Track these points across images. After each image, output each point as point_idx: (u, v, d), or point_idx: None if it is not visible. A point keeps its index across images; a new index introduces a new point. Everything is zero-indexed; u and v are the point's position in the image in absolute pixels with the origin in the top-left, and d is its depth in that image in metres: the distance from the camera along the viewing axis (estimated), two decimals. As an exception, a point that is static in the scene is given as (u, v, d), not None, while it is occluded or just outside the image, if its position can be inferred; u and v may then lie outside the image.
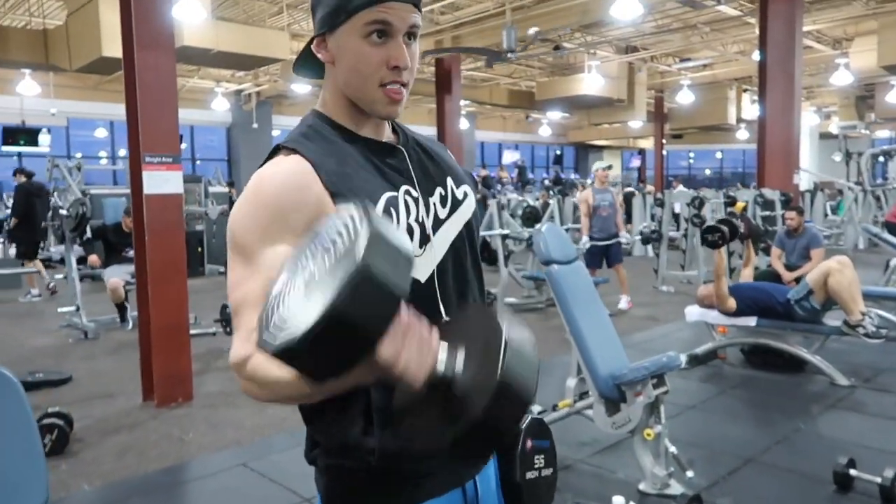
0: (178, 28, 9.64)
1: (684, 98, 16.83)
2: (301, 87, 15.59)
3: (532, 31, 10.61)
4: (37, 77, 13.43)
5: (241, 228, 0.96)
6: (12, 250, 10.88)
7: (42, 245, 9.42)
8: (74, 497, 3.08)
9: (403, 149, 1.09)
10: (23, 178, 8.67)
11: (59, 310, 6.60)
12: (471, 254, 1.13)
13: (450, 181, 1.13)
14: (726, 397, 4.42)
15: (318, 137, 1.04)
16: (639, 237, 7.74)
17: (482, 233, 8.11)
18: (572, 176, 23.32)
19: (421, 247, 1.03)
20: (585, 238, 7.03)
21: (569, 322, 3.07)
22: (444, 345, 0.82)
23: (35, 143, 14.85)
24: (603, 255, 7.16)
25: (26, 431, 1.83)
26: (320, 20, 1.01)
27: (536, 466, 1.11)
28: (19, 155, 16.06)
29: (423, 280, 1.03)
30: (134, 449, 3.61)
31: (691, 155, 28.84)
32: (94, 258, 6.79)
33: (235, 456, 3.49)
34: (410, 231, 1.02)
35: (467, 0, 11.78)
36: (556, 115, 21.05)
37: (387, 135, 1.10)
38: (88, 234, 6.68)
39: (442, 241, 1.07)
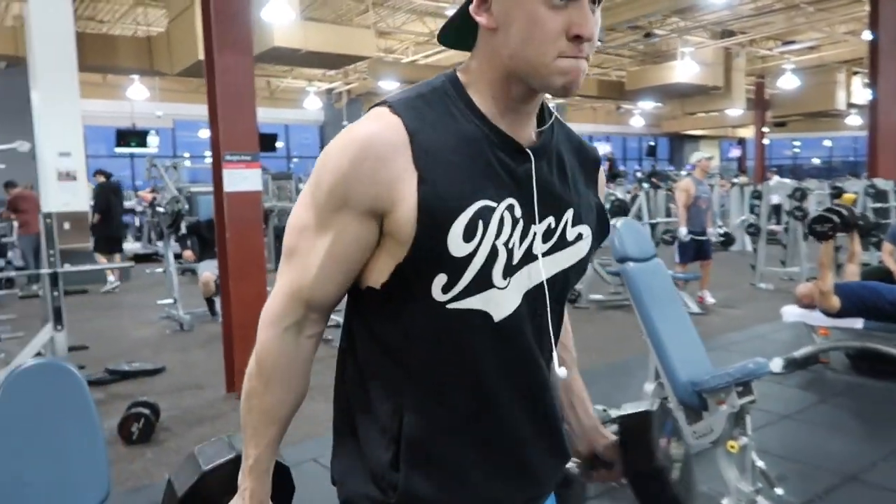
0: (268, 30, 10.00)
1: (788, 83, 15.83)
2: (388, 85, 15.79)
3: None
4: (145, 82, 14.27)
5: (315, 181, 0.87)
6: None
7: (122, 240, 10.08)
8: (157, 486, 3.20)
9: (534, 156, 0.89)
10: (102, 178, 9.35)
11: (158, 302, 6.96)
12: (554, 305, 0.93)
13: (569, 214, 0.93)
14: (827, 406, 4.08)
15: (437, 105, 0.87)
16: (721, 235, 7.33)
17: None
18: (667, 168, 22.46)
19: (504, 279, 0.86)
20: (684, 230, 6.70)
21: (645, 323, 2.90)
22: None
23: (144, 144, 15.76)
24: (697, 250, 6.83)
25: (89, 426, 1.88)
26: None
27: None
28: (131, 156, 17.18)
29: (496, 319, 0.87)
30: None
31: (796, 144, 27.13)
32: (188, 253, 7.11)
33: (308, 450, 3.53)
34: (494, 254, 0.84)
35: (553, -11, 11.52)
36: (648, 104, 20.33)
37: (528, 133, 0.91)
38: (183, 230, 7.00)
39: (524, 281, 0.89)
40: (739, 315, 6.72)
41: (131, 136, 15.61)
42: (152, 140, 15.81)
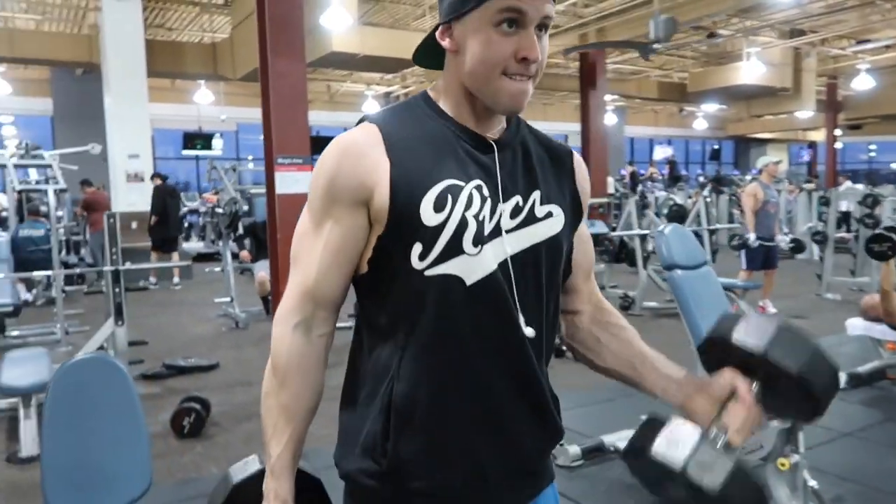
0: (326, 35, 10.18)
1: (863, 84, 15.08)
2: (445, 88, 15.87)
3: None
4: (210, 86, 14.76)
5: (311, 187, 1.00)
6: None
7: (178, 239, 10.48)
8: (204, 479, 3.29)
9: (497, 146, 1.01)
10: (158, 181, 9.72)
11: (216, 300, 7.17)
12: (531, 279, 1.01)
13: (536, 195, 1.02)
14: (892, 425, 3.86)
15: (408, 113, 1.02)
16: (790, 242, 7.02)
17: (621, 233, 7.82)
18: (732, 172, 21.79)
19: (475, 245, 0.95)
20: (753, 235, 6.46)
21: (693, 334, 2.81)
22: None
23: (210, 146, 16.28)
24: (765, 257, 6.59)
25: (133, 419, 1.95)
26: (448, 6, 0.96)
27: None
28: (197, 158, 17.78)
29: (468, 283, 0.95)
30: (260, 437, 3.80)
31: (872, 147, 25.89)
32: (244, 254, 7.30)
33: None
34: (464, 224, 0.94)
35: (613, -10, 11.35)
36: (711, 107, 19.77)
37: (493, 132, 1.03)
38: (240, 230, 7.19)
39: (493, 254, 0.96)
40: (802, 326, 6.43)
41: (197, 139, 16.17)
42: (217, 143, 16.34)
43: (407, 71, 14.99)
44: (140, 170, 10.33)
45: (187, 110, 16.12)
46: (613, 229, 8.61)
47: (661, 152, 23.11)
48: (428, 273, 0.94)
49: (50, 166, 6.18)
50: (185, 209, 14.94)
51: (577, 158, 1.13)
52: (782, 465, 2.54)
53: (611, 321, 1.18)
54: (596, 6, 12.01)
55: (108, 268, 4.49)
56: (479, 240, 0.95)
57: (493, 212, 0.97)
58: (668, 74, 17.40)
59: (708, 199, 9.61)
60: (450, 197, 0.94)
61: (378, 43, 10.77)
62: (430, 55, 1.05)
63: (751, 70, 13.89)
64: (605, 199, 10.96)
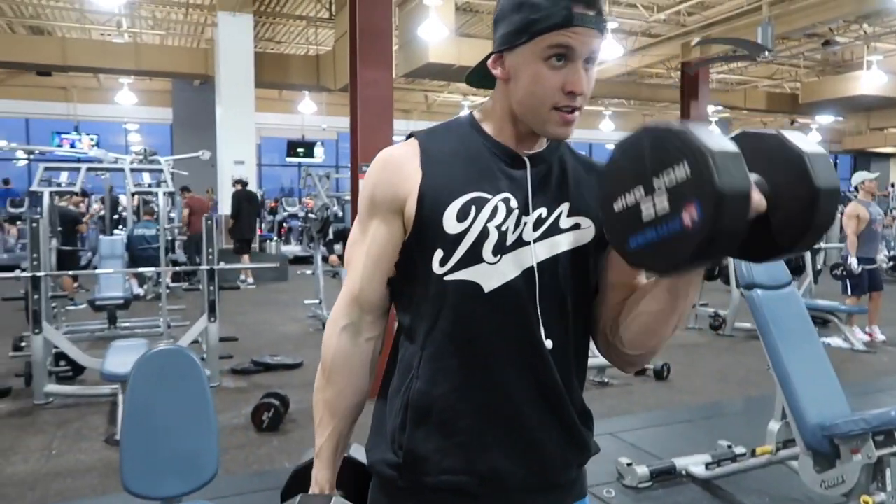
0: (423, 46, 10.41)
1: None
2: (541, 98, 15.78)
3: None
4: (313, 97, 15.39)
5: (360, 196, 1.07)
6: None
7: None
8: (276, 472, 3.43)
9: (529, 161, 1.04)
10: (238, 187, 10.20)
11: (305, 301, 7.45)
12: (555, 292, 1.01)
13: (563, 207, 1.04)
14: None
15: (450, 131, 1.08)
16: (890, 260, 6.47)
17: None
18: (850, 189, 20.38)
19: (495, 255, 0.99)
20: (855, 262, 6.04)
21: (772, 357, 2.66)
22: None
23: (311, 154, 16.96)
24: (869, 280, 6.14)
25: (204, 409, 2.07)
26: (501, 37, 1.01)
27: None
28: (299, 165, 18.56)
29: (486, 290, 0.99)
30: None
31: None
32: (333, 258, 7.54)
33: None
34: (485, 234, 0.99)
35: (718, -3, 10.94)
36: (827, 119, 18.60)
37: (530, 150, 1.06)
38: (331, 235, 7.45)
39: (519, 261, 1.00)
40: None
41: (300, 147, 16.89)
42: (318, 151, 17.00)
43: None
44: (245, 175, 10.92)
45: (292, 119, 16.88)
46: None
47: (770, 166, 21.88)
48: (447, 278, 0.99)
49: (161, 170, 6.65)
50: (284, 213, 15.64)
51: None
52: (866, 502, 2.37)
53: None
54: (700, 14, 11.60)
55: (203, 267, 4.78)
56: (500, 249, 0.99)
57: (517, 223, 1.00)
58: (779, 84, 16.54)
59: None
60: (474, 208, 0.99)
61: (474, 53, 10.87)
62: (483, 78, 1.09)
63: (871, 80, 12.99)
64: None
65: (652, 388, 4.88)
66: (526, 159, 1.04)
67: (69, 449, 3.60)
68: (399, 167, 1.02)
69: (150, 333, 6.24)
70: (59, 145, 13.96)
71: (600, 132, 19.64)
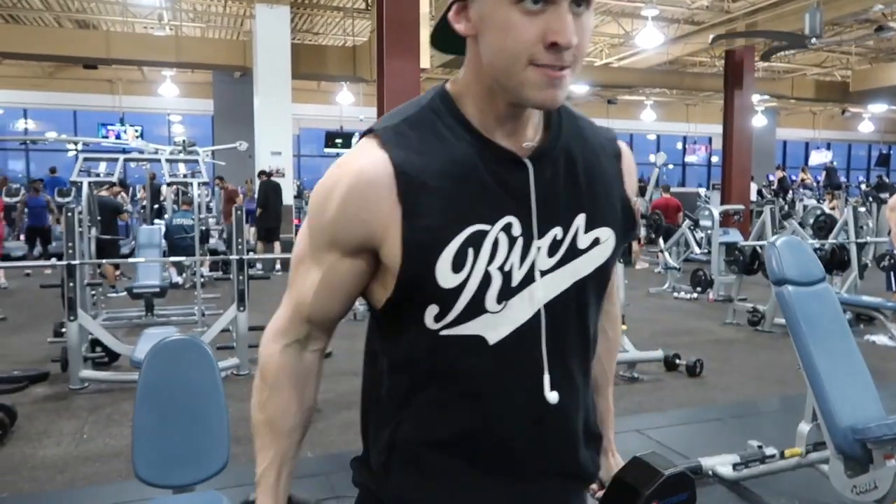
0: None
1: None
2: (579, 88, 15.55)
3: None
4: (351, 88, 15.45)
5: (313, 209, 0.88)
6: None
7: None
8: (300, 462, 3.45)
9: (533, 165, 0.85)
10: (264, 178, 10.44)
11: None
12: (577, 319, 0.90)
13: (580, 220, 0.87)
14: None
15: (425, 126, 0.84)
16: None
17: (752, 242, 7.27)
18: (903, 180, 19.61)
19: (499, 302, 0.83)
20: None
21: (802, 357, 2.56)
22: None
23: (349, 145, 16.96)
24: None
25: (216, 399, 2.08)
26: None
27: None
28: (336, 156, 18.68)
29: (491, 342, 0.84)
30: (355, 426, 3.93)
31: None
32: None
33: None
34: (487, 281, 0.82)
35: (764, -18, 10.57)
36: (880, 108, 17.90)
37: (529, 136, 0.86)
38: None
39: (529, 300, 0.85)
40: None
41: (337, 138, 16.98)
42: (355, 142, 17.05)
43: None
44: (282, 166, 11.02)
45: (330, 111, 16.99)
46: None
47: (819, 157, 21.25)
48: (443, 333, 0.84)
49: (196, 161, 6.76)
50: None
51: (626, 154, 0.97)
52: (898, 511, 2.26)
53: (609, 317, 1.08)
54: (745, 0, 11.25)
55: (234, 256, 4.83)
56: (505, 294, 0.84)
57: (524, 255, 0.84)
58: (830, 72, 15.97)
59: (863, 209, 8.72)
60: (471, 251, 0.82)
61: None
62: (450, 38, 0.85)
63: (927, 67, 12.43)
64: (740, 206, 10.23)
65: (683, 384, 4.76)
66: (528, 163, 0.84)
67: (99, 434, 3.69)
68: (369, 200, 0.81)
69: (185, 321, 6.37)
70: (105, 136, 14.33)
71: (642, 122, 19.29)
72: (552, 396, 0.87)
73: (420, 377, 0.88)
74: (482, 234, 0.82)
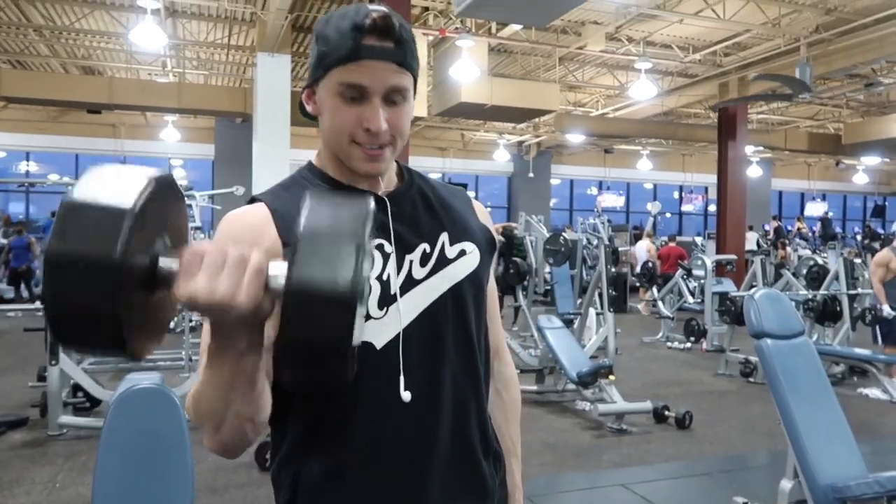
0: (456, 86, 10.53)
1: None
2: (576, 138, 15.76)
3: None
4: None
5: None
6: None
7: None
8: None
9: (388, 200, 0.98)
10: None
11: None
12: (457, 322, 0.98)
13: (444, 237, 1.01)
14: None
15: (296, 187, 0.98)
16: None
17: (743, 292, 7.24)
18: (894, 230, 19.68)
19: (381, 308, 0.92)
20: (887, 307, 5.82)
21: (782, 411, 2.52)
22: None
23: (347, 191, 17.12)
24: None
25: (180, 449, 2.05)
26: (310, 71, 0.97)
27: None
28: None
29: (378, 346, 0.92)
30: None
31: None
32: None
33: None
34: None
35: (755, 38, 10.80)
36: (873, 160, 18.10)
37: (385, 185, 1.01)
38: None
39: (412, 304, 0.95)
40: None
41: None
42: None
43: (538, 120, 15.09)
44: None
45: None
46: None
47: (814, 208, 21.38)
48: None
49: (190, 206, 6.79)
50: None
51: (475, 201, 1.13)
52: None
53: (501, 382, 1.14)
54: (736, 55, 11.49)
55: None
56: (385, 300, 0.93)
57: (399, 266, 0.96)
58: (822, 125, 16.19)
59: (859, 260, 8.72)
60: None
61: (506, 93, 10.97)
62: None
63: (917, 121, 12.62)
64: (732, 257, 10.23)
65: (673, 437, 4.68)
66: (385, 199, 0.98)
67: (73, 482, 3.61)
68: (254, 231, 0.91)
69: (172, 366, 6.30)
70: (105, 180, 14.45)
71: (638, 171, 19.46)
72: (405, 395, 0.92)
73: (316, 401, 0.92)
74: None
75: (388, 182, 1.02)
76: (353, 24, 0.89)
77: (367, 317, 0.91)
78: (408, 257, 0.96)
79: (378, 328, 0.92)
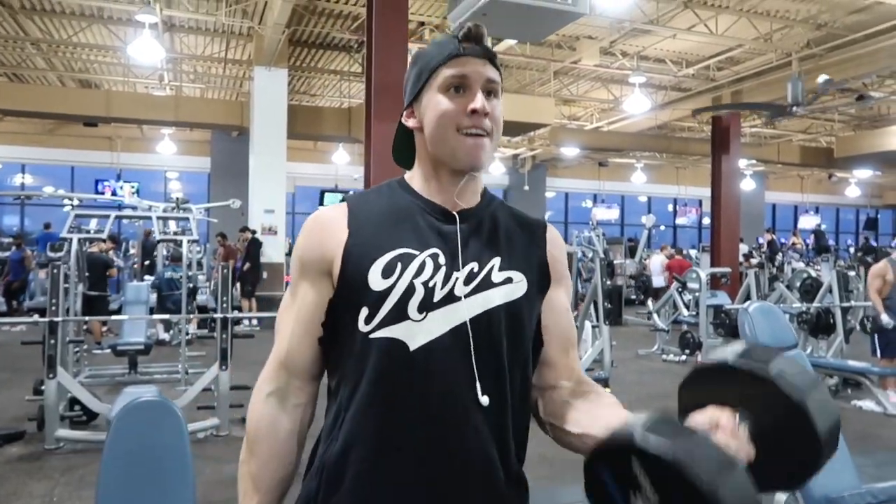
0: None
1: None
2: (570, 151, 15.86)
3: (821, 79, 9.36)
4: (346, 147, 15.72)
5: (292, 260, 1.09)
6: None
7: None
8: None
9: (460, 217, 1.05)
10: (248, 234, 10.61)
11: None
12: (488, 344, 0.99)
13: (495, 261, 1.04)
14: None
15: (381, 193, 1.09)
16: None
17: (736, 305, 7.29)
18: (893, 244, 19.80)
19: (420, 312, 0.97)
20: (885, 317, 5.84)
21: (777, 422, 2.55)
22: None
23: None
24: None
25: (182, 463, 2.06)
26: (408, 92, 1.08)
27: None
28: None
29: (412, 348, 0.96)
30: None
31: None
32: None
33: None
34: (411, 290, 0.97)
35: (747, 53, 10.93)
36: (865, 173, 18.26)
37: (464, 202, 1.06)
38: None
39: (444, 318, 0.98)
40: None
41: (332, 195, 17.19)
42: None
43: (533, 134, 15.19)
44: (274, 224, 11.10)
45: (326, 169, 17.24)
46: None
47: (808, 221, 21.50)
48: (372, 336, 0.97)
49: (187, 219, 6.81)
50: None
51: (551, 230, 1.14)
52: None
53: (593, 391, 1.10)
54: (729, 69, 11.61)
55: (217, 315, 4.83)
56: (426, 306, 0.97)
57: (447, 278, 0.99)
58: (815, 138, 16.35)
59: (853, 273, 8.79)
60: (399, 264, 0.98)
61: (503, 107, 11.03)
62: (406, 154, 1.13)
63: (908, 134, 12.75)
64: (727, 269, 10.29)
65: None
66: (456, 215, 1.04)
67: (70, 496, 3.61)
68: (325, 228, 1.03)
69: (168, 380, 6.30)
70: (101, 192, 14.46)
71: (633, 184, 19.58)
72: (484, 400, 0.97)
73: (351, 384, 0.98)
74: (411, 256, 1.00)
75: (468, 202, 1.07)
76: (452, 35, 1.04)
77: (406, 317, 0.97)
78: (455, 273, 1.00)
79: (414, 330, 0.97)
